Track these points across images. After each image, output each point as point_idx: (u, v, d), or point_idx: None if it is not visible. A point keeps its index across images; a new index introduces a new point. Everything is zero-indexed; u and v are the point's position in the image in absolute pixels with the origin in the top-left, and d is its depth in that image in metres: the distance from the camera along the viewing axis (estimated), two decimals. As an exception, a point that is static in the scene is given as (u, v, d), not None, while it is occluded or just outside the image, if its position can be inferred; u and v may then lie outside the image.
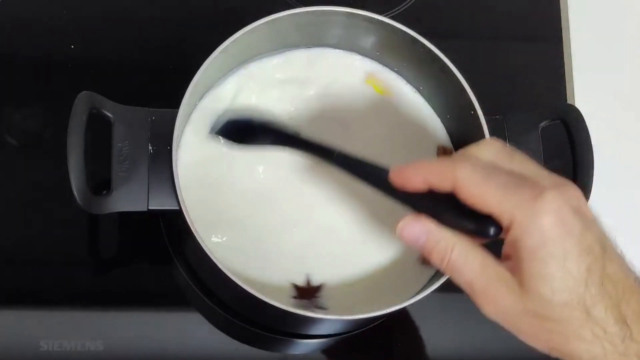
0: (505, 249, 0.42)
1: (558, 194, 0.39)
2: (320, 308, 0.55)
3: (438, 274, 0.57)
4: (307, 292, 0.56)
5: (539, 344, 0.42)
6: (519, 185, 0.40)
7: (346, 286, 0.57)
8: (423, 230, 0.43)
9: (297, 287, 0.56)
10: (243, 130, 0.58)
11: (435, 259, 0.43)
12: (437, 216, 0.43)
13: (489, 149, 0.43)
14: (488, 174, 0.41)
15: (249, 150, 0.57)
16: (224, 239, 0.56)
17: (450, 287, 0.53)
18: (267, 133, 0.57)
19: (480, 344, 0.65)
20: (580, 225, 0.39)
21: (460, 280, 0.42)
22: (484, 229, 0.41)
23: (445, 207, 0.43)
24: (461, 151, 0.45)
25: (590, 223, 0.40)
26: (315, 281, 0.57)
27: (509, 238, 0.41)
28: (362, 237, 0.58)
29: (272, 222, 0.58)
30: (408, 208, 0.45)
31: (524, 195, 0.40)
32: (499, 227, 0.41)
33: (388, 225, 0.59)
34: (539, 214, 0.39)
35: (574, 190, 0.41)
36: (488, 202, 0.40)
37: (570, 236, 0.39)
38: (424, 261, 0.57)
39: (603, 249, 0.40)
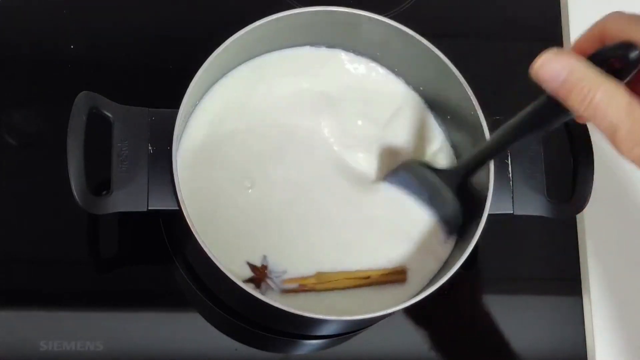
0: None
1: None
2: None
3: (438, 274, 0.58)
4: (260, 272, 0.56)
5: None
6: None
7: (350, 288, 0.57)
8: (565, 65, 0.40)
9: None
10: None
11: (574, 99, 0.40)
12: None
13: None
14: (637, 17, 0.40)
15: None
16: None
17: (450, 288, 0.54)
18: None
19: (480, 344, 0.65)
20: None
21: (603, 122, 0.39)
22: (626, 53, 0.39)
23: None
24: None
25: None
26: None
27: None
28: (365, 239, 0.58)
29: (274, 221, 0.58)
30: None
31: None
32: None
33: (389, 226, 0.59)
34: None
35: None
36: (633, 30, 0.39)
37: None
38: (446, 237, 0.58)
39: None
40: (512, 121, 0.48)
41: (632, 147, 0.39)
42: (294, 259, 0.57)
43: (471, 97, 0.57)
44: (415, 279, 0.58)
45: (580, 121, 0.43)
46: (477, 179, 0.58)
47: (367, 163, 0.60)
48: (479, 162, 0.54)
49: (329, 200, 0.59)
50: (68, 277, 0.62)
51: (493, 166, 0.56)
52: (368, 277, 0.57)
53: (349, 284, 0.57)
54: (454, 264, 0.53)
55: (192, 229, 0.51)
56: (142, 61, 0.70)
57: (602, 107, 0.39)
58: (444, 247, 0.59)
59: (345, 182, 0.59)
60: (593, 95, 0.39)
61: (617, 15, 0.40)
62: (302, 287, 0.56)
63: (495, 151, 0.53)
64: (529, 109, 0.46)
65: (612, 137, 0.39)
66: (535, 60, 0.40)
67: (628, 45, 0.39)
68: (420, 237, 0.59)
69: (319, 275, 0.56)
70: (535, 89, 0.74)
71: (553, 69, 0.40)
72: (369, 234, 0.58)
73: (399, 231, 0.59)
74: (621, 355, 0.64)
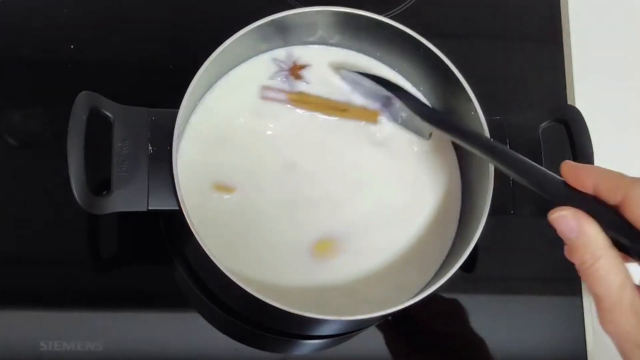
0: None
1: None
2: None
3: (438, 275, 0.58)
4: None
5: None
6: None
7: (349, 287, 0.57)
8: (579, 226, 0.42)
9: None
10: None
11: (578, 258, 0.43)
12: (594, 218, 0.43)
13: None
14: None
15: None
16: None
17: (450, 288, 0.54)
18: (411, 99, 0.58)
19: (480, 343, 0.65)
20: None
21: (593, 289, 0.42)
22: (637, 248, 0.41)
23: (604, 213, 0.43)
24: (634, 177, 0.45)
25: None
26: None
27: None
28: (364, 238, 0.58)
29: (274, 222, 0.58)
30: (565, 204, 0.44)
31: None
32: None
33: (390, 225, 0.59)
34: None
35: None
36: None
37: None
38: None
39: None
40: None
41: (607, 322, 0.42)
42: (294, 256, 0.57)
43: (471, 97, 0.57)
44: (416, 273, 0.58)
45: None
46: (477, 179, 0.58)
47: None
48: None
49: (334, 202, 0.59)
50: (68, 277, 0.62)
51: (493, 167, 0.56)
52: (345, 110, 0.60)
53: (326, 108, 0.60)
54: (454, 264, 0.53)
55: (192, 229, 0.51)
56: (142, 61, 0.70)
57: (598, 275, 0.42)
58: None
59: (349, 182, 0.60)
60: (593, 263, 0.42)
61: (609, 176, 0.42)
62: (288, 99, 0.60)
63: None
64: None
65: (597, 305, 0.42)
66: (555, 210, 0.44)
67: None
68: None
69: (302, 94, 0.60)
70: (535, 90, 0.74)
71: (568, 224, 0.43)
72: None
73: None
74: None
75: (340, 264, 0.58)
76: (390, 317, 0.63)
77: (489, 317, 0.66)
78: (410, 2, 0.74)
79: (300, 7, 0.58)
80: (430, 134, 0.60)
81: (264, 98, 0.60)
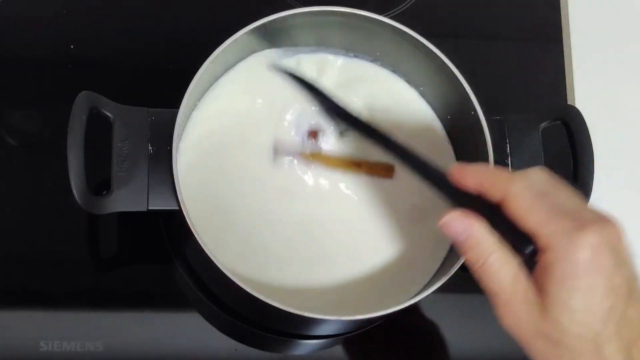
0: (536, 270, 0.42)
1: (598, 229, 0.40)
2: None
3: (438, 274, 0.57)
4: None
5: None
6: (564, 214, 0.41)
7: (348, 287, 0.57)
8: (468, 227, 0.44)
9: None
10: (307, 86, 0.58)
11: (470, 258, 0.44)
12: (482, 216, 0.44)
13: (540, 176, 0.44)
14: (538, 196, 0.42)
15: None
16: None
17: (450, 288, 0.54)
18: (326, 100, 0.57)
19: (479, 343, 0.65)
20: (612, 264, 0.40)
21: (488, 286, 0.43)
22: (522, 246, 0.42)
23: (489, 214, 0.43)
24: (514, 172, 0.46)
25: (622, 263, 0.41)
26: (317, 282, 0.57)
27: (541, 261, 0.41)
28: (363, 238, 0.58)
29: (273, 222, 0.58)
30: (454, 205, 0.45)
31: (567, 224, 0.41)
32: (535, 248, 0.42)
33: (388, 225, 0.59)
34: (576, 246, 0.40)
35: (615, 228, 0.41)
36: (531, 221, 0.42)
37: (601, 274, 0.40)
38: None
39: (629, 291, 0.41)
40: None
41: (505, 316, 0.43)
42: (294, 256, 0.57)
43: (471, 97, 0.57)
44: (415, 279, 0.58)
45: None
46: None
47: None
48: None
49: (333, 197, 0.59)
50: (68, 277, 0.62)
51: (493, 166, 0.56)
52: (359, 165, 0.59)
53: (341, 164, 0.59)
54: (453, 264, 0.53)
55: (192, 229, 0.51)
56: (142, 61, 0.70)
57: (491, 272, 0.43)
58: None
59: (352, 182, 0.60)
60: (485, 259, 0.43)
61: (524, 187, 0.43)
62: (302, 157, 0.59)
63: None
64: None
65: (493, 301, 0.43)
66: (442, 215, 0.44)
67: (525, 239, 0.42)
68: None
69: (315, 154, 0.59)
70: (535, 90, 0.74)
71: (458, 226, 0.44)
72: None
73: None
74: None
75: (339, 264, 0.58)
76: (390, 317, 0.63)
77: (489, 317, 0.66)
78: (410, 2, 0.74)
79: (300, 7, 0.58)
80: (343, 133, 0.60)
81: (278, 155, 0.59)
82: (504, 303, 0.43)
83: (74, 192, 0.50)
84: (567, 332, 0.40)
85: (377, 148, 0.53)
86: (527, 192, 0.42)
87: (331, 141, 0.60)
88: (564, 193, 0.43)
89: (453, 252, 0.58)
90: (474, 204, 0.44)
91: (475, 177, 0.45)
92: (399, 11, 0.74)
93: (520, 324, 0.42)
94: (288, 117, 0.60)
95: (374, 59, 0.63)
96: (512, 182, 0.43)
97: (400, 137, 0.52)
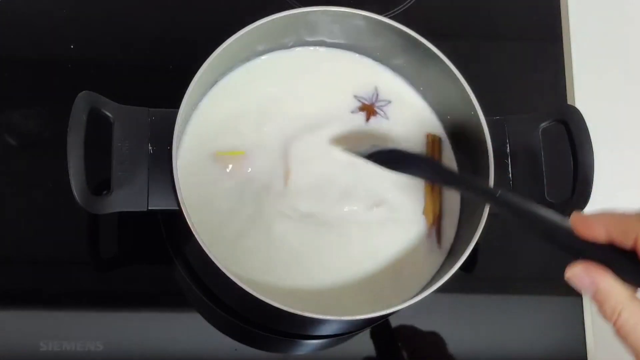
0: None
1: None
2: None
3: (438, 275, 0.58)
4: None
5: None
6: None
7: (348, 287, 0.57)
8: (592, 283, 0.42)
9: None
10: (394, 159, 0.56)
11: (603, 312, 0.42)
12: (610, 267, 0.42)
13: None
14: None
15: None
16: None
17: (450, 288, 0.54)
18: (422, 166, 0.56)
19: (479, 343, 0.65)
20: None
21: (627, 342, 0.41)
22: None
23: (619, 260, 0.42)
24: None
25: None
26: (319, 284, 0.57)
27: None
28: (364, 238, 0.58)
29: (274, 221, 0.58)
30: (575, 256, 0.43)
31: None
32: None
33: (388, 224, 0.59)
34: None
35: None
36: None
37: None
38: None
39: None
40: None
41: None
42: (294, 256, 0.57)
43: (471, 97, 0.57)
44: (416, 276, 0.58)
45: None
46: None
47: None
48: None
49: (333, 198, 0.59)
50: (68, 277, 0.62)
51: (493, 166, 0.56)
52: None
53: None
54: (453, 264, 0.53)
55: (192, 229, 0.51)
56: (142, 61, 0.70)
57: (626, 329, 0.41)
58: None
59: (347, 177, 0.60)
60: (617, 318, 0.41)
61: (620, 220, 0.41)
62: None
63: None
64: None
65: (635, 356, 0.41)
66: (569, 268, 0.43)
67: None
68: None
69: None
70: (535, 89, 0.74)
71: (582, 282, 0.42)
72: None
73: None
74: (621, 355, 0.64)
75: (339, 264, 0.58)
76: (389, 318, 0.63)
77: (489, 317, 0.66)
78: (410, 2, 0.74)
79: (300, 7, 0.58)
80: None
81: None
82: None
83: (74, 192, 0.50)
84: None
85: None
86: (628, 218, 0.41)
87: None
88: None
89: (453, 252, 0.58)
90: (600, 251, 0.42)
91: (602, 225, 0.42)
92: (399, 11, 0.74)
93: None
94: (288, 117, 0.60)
95: (374, 59, 0.63)
96: None
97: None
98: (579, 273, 0.42)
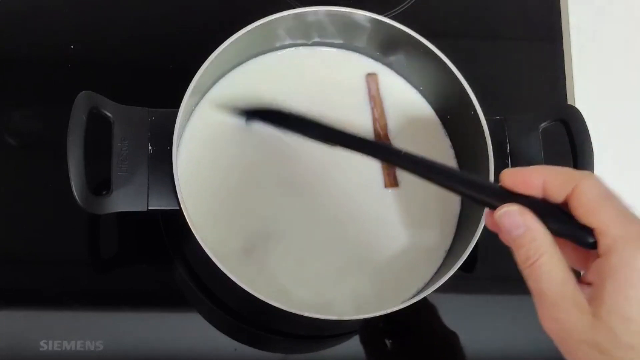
0: (589, 274, 0.41)
1: None
2: None
3: (438, 274, 0.58)
4: None
5: None
6: (635, 219, 0.40)
7: (348, 286, 0.57)
8: (524, 223, 0.42)
9: None
10: (280, 119, 0.53)
11: (520, 255, 0.42)
12: (538, 214, 0.42)
13: (601, 180, 0.42)
14: (608, 195, 0.41)
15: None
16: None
17: (450, 288, 0.54)
18: (312, 126, 0.52)
19: (479, 343, 0.65)
20: None
21: (534, 285, 0.42)
22: (585, 238, 0.41)
23: (548, 210, 0.42)
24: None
25: None
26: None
27: (599, 264, 0.40)
28: (363, 239, 0.58)
29: (274, 221, 0.58)
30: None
31: (636, 229, 0.39)
32: (596, 243, 0.40)
33: (387, 224, 0.59)
34: None
35: None
36: (600, 219, 0.40)
37: None
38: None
39: None
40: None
41: (547, 318, 0.41)
42: (294, 256, 0.57)
43: (471, 97, 0.57)
44: (416, 276, 0.58)
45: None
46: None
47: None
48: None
49: (333, 200, 0.59)
50: (68, 277, 0.62)
51: (493, 167, 0.56)
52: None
53: None
54: (454, 264, 0.53)
55: (192, 229, 0.51)
56: (142, 61, 0.70)
57: (539, 272, 0.41)
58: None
59: (346, 179, 0.60)
60: (536, 259, 0.41)
61: (595, 185, 0.41)
62: None
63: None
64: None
65: (538, 302, 0.42)
66: (501, 206, 0.42)
67: (589, 231, 0.41)
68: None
69: None
70: (535, 89, 0.74)
71: (514, 221, 0.42)
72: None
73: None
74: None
75: (339, 265, 0.58)
76: (389, 317, 0.63)
77: (489, 317, 0.66)
78: (410, 2, 0.74)
79: (300, 7, 0.58)
80: None
81: None
82: (549, 305, 0.41)
83: (74, 192, 0.50)
84: (619, 341, 0.39)
85: (383, 162, 0.51)
86: (597, 189, 0.41)
87: None
88: (623, 201, 0.42)
89: (453, 252, 0.58)
90: (525, 203, 0.42)
91: (537, 177, 0.43)
92: (399, 11, 0.74)
93: (565, 328, 0.40)
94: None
95: (374, 58, 0.63)
96: (583, 178, 0.41)
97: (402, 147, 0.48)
98: (513, 211, 0.42)
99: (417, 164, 0.46)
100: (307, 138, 0.51)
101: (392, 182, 0.60)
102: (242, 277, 0.51)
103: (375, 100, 0.62)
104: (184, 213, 0.51)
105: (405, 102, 0.63)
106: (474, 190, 0.45)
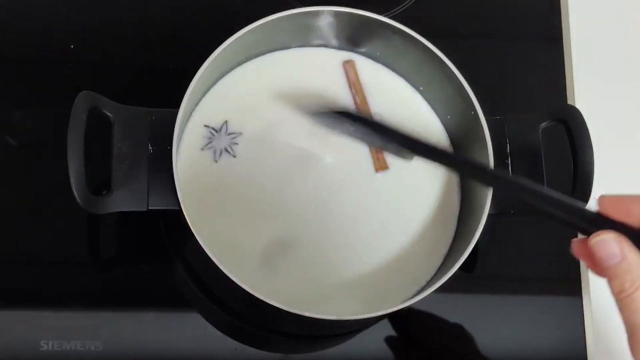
0: None
1: None
2: None
3: (438, 274, 0.58)
4: None
5: None
6: None
7: (348, 286, 0.57)
8: (621, 253, 0.41)
9: None
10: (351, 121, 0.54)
11: (615, 286, 0.41)
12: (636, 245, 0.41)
13: None
14: None
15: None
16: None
17: (450, 288, 0.54)
18: (388, 133, 0.53)
19: (479, 343, 0.65)
20: None
21: (629, 317, 0.41)
22: None
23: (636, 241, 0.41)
24: None
25: None
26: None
27: None
28: (363, 239, 0.59)
29: (274, 222, 0.58)
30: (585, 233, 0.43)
31: None
32: None
33: (387, 224, 0.59)
34: None
35: None
36: None
37: None
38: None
39: None
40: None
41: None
42: (294, 256, 0.57)
43: (471, 97, 0.57)
44: (416, 276, 0.58)
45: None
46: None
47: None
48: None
49: (333, 199, 0.59)
50: (68, 277, 0.62)
51: (493, 166, 0.56)
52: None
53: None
54: (453, 264, 0.53)
55: (192, 229, 0.51)
56: (142, 61, 0.70)
57: (636, 306, 0.40)
58: None
59: (347, 178, 0.60)
60: (634, 291, 0.40)
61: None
62: None
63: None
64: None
65: (631, 334, 0.41)
66: (597, 233, 0.41)
67: None
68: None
69: None
70: (535, 90, 0.74)
71: (609, 249, 0.41)
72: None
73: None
74: (621, 355, 0.64)
75: (338, 266, 0.58)
76: (390, 317, 0.63)
77: (489, 317, 0.66)
78: (410, 2, 0.74)
79: (300, 7, 0.58)
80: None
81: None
82: None
83: (74, 192, 0.50)
84: None
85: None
86: None
87: None
88: None
89: (453, 252, 0.58)
90: (622, 231, 0.41)
91: (638, 205, 0.42)
92: (399, 11, 0.73)
93: None
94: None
95: (374, 58, 0.63)
96: None
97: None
98: (609, 239, 0.41)
99: (506, 183, 0.46)
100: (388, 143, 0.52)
101: (382, 166, 0.60)
102: (242, 276, 0.51)
103: (356, 87, 0.61)
104: (184, 213, 0.51)
105: (406, 102, 0.63)
106: (567, 212, 0.44)
